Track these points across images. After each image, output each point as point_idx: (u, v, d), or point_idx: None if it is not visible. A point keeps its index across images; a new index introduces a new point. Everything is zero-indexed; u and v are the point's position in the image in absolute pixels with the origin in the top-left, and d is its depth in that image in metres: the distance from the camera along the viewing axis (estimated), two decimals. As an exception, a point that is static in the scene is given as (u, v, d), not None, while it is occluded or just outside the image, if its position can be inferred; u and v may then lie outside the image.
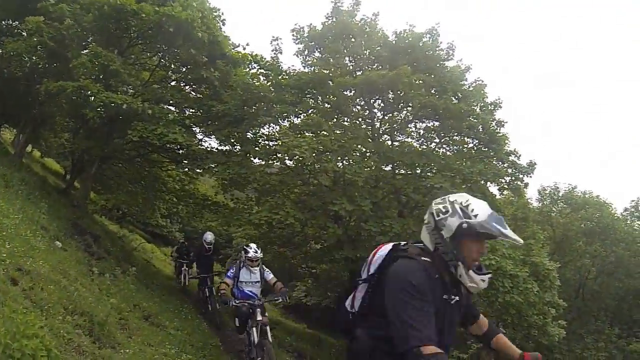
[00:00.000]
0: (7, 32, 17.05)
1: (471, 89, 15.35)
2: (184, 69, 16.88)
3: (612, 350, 24.96)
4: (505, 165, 15.31)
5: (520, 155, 15.35)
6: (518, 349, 2.99)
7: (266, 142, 15.97)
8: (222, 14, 16.60)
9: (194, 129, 16.94)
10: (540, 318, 15.20)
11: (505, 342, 3.12)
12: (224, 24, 16.56)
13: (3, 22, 17.35)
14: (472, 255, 2.59)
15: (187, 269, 15.73)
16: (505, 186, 15.59)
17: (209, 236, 14.09)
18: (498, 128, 15.05)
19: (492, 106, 15.50)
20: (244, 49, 16.66)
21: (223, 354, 9.23)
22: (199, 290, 14.05)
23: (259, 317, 7.61)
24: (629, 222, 30.36)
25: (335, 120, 15.88)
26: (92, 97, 14.10)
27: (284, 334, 14.66)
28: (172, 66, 17.38)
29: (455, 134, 15.67)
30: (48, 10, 14.39)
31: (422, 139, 16.73)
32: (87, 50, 15.29)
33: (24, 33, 15.88)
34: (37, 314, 4.86)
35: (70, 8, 14.41)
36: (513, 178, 15.36)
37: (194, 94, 17.56)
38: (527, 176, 15.36)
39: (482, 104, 15.44)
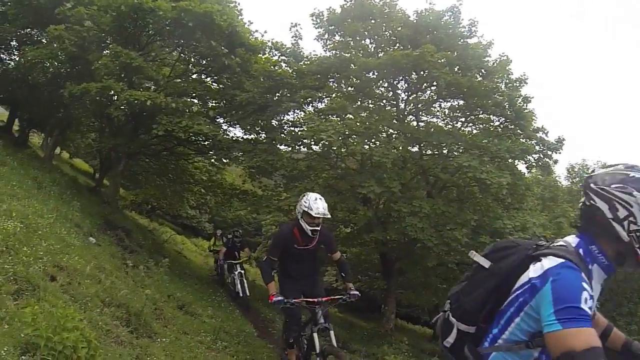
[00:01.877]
0: (27, 41, 17.44)
1: (495, 65, 15.02)
2: (204, 61, 16.95)
3: (644, 333, 24.37)
4: (533, 142, 14.99)
5: (548, 132, 15.01)
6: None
7: (291, 129, 15.97)
8: (239, 3, 16.61)
9: (218, 119, 17.06)
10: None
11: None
12: (241, 14, 16.57)
13: (22, 32, 17.73)
14: None
15: (241, 272, 13.24)
16: (534, 164, 15.29)
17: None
18: (524, 104, 14.70)
19: (518, 82, 15.14)
20: (262, 36, 16.65)
21: (257, 339, 9.35)
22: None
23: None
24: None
25: (359, 103, 15.78)
26: (116, 97, 14.35)
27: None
28: (192, 59, 17.48)
29: (481, 112, 15.41)
30: (66, 15, 14.61)
31: (448, 118, 16.53)
32: (107, 51, 15.52)
33: (44, 40, 16.18)
34: (76, 308, 4.99)
35: (88, 10, 14.61)
36: (541, 155, 15.05)
37: (216, 85, 17.65)
38: (556, 152, 15.02)
39: (507, 81, 15.11)
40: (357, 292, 6.03)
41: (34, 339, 3.69)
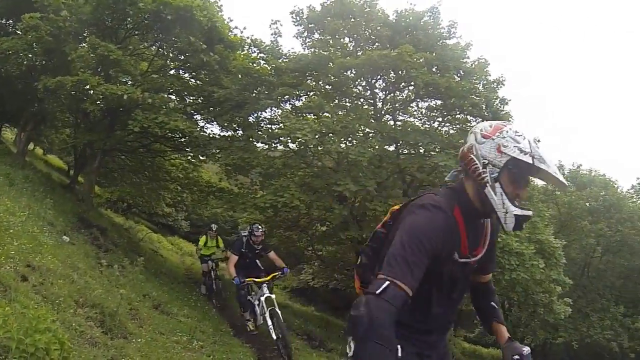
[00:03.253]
0: (1, 31, 16.99)
1: (473, 66, 15.22)
2: (182, 57, 16.76)
3: (617, 329, 24.97)
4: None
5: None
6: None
7: (268, 126, 15.95)
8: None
9: (195, 116, 16.91)
10: (546, 296, 15.20)
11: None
12: (220, 9, 16.44)
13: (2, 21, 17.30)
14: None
15: (271, 297, 8.40)
16: None
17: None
18: (502, 106, 14.95)
19: (495, 84, 15.37)
20: (242, 32, 16.56)
21: (234, 339, 9.30)
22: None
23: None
24: (634, 200, 30.15)
25: (336, 101, 15.82)
26: (92, 90, 14.09)
27: (291, 317, 14.77)
28: (171, 54, 17.28)
29: (458, 112, 15.59)
30: (44, 5, 14.28)
31: (425, 118, 16.71)
32: (84, 44, 15.24)
33: (19, 31, 15.78)
34: (48, 309, 4.88)
35: (66, 0, 14.31)
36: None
37: (194, 81, 17.48)
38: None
39: (485, 82, 15.32)
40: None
41: (5, 341, 3.60)
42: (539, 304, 15.69)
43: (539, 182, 29.64)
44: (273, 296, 8.45)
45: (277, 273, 8.81)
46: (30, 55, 15.84)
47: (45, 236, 8.25)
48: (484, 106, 14.62)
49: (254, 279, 8.65)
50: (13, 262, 5.68)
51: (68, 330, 4.81)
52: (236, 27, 16.43)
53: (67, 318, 5.22)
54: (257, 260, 9.46)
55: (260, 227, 9.30)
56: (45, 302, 5.32)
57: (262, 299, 8.37)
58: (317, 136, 12.85)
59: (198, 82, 17.20)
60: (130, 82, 15.59)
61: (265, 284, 8.52)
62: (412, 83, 14.81)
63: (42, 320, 3.91)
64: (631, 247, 27.03)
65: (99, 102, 14.51)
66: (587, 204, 28.09)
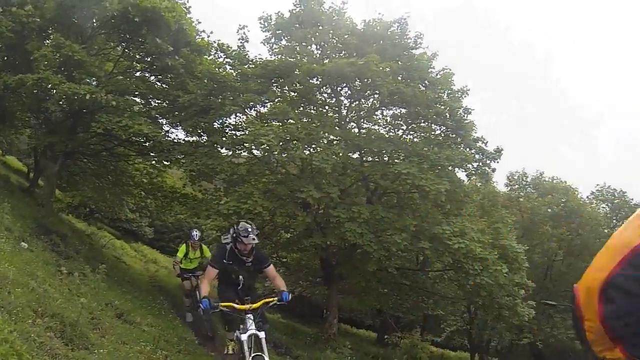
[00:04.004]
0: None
1: (438, 76, 15.54)
2: (148, 59, 16.53)
3: (580, 328, 25.77)
4: (473, 151, 15.62)
5: (487, 142, 15.72)
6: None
7: (233, 132, 15.91)
8: (188, 1, 16.33)
9: (160, 120, 16.68)
10: (510, 299, 15.53)
11: None
12: (189, 12, 16.28)
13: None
14: None
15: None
16: (473, 172, 15.94)
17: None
18: (465, 115, 15.32)
19: (460, 93, 15.73)
20: (209, 36, 16.45)
21: (199, 347, 9.20)
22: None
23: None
24: (594, 206, 31.41)
25: (301, 108, 15.91)
26: (54, 90, 13.73)
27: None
28: (137, 56, 17.01)
29: (423, 121, 15.90)
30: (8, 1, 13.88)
31: (390, 126, 16.94)
32: (48, 41, 14.85)
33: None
34: (5, 319, 4.74)
35: None
36: (480, 164, 15.70)
37: (160, 84, 17.25)
38: (494, 162, 15.76)
39: (450, 92, 15.65)
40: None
41: (-42, 356, 3.49)
42: (503, 307, 16.03)
43: (502, 189, 30.73)
44: (262, 335, 6.01)
45: (272, 299, 6.35)
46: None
47: (2, 242, 8.00)
48: (447, 115, 14.95)
49: (234, 304, 6.19)
50: (-32, 271, 5.48)
51: (26, 341, 4.67)
52: (203, 31, 16.30)
53: (25, 328, 5.07)
54: (246, 278, 7.07)
55: (250, 228, 6.48)
56: (2, 312, 5.15)
57: (245, 337, 5.90)
58: (281, 143, 12.91)
59: (164, 85, 16.98)
60: (94, 83, 15.27)
61: (250, 314, 6.07)
62: (377, 91, 15.02)
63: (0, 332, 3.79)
64: (591, 251, 27.98)
65: (61, 102, 14.14)
66: (549, 210, 29.05)
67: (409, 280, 18.61)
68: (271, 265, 6.98)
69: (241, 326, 6.12)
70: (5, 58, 15.61)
